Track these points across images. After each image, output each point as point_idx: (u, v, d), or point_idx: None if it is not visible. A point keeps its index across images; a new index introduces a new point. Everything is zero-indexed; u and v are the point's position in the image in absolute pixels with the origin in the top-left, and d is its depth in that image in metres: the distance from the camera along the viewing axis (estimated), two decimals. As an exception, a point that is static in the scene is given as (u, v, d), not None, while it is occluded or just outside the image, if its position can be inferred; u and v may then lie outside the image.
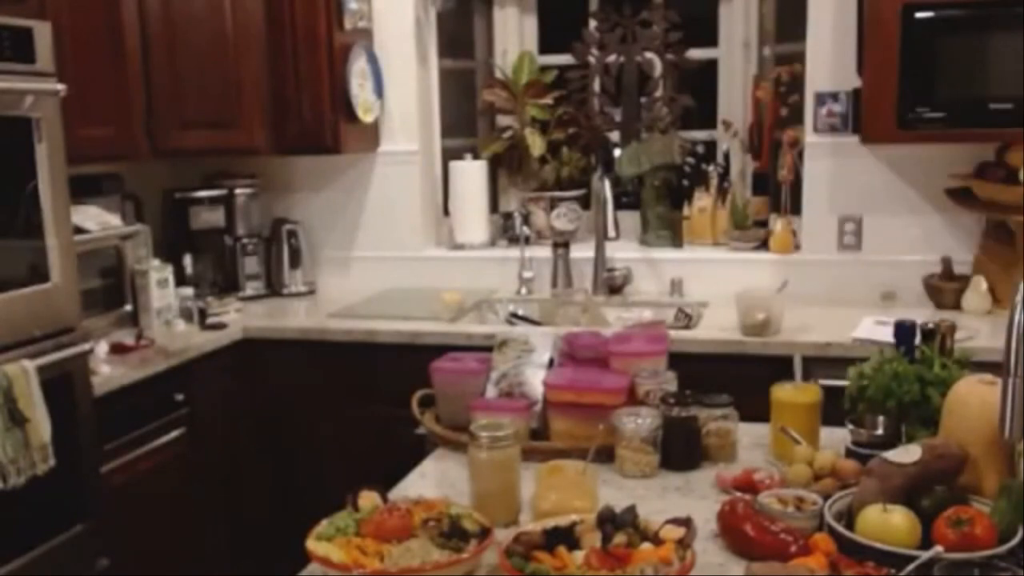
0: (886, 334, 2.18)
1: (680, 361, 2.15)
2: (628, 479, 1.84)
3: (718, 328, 2.96)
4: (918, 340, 1.93)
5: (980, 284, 3.06)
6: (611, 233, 3.42)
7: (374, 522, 1.49)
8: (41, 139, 2.41)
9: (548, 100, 3.81)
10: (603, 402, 1.91)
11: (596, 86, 3.83)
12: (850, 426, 1.82)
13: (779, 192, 3.45)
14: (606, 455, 1.85)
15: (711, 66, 3.76)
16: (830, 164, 3.32)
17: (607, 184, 3.43)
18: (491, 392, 2.08)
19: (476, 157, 3.80)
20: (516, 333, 2.29)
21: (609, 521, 1.47)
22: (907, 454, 1.55)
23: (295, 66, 3.39)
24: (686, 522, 1.46)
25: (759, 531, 1.48)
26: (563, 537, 1.45)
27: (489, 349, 2.18)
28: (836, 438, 1.86)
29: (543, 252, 3.61)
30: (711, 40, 3.75)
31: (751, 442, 1.98)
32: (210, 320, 3.28)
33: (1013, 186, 2.96)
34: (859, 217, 3.32)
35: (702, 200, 3.61)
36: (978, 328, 2.73)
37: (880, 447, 1.68)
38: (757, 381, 2.02)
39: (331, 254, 3.84)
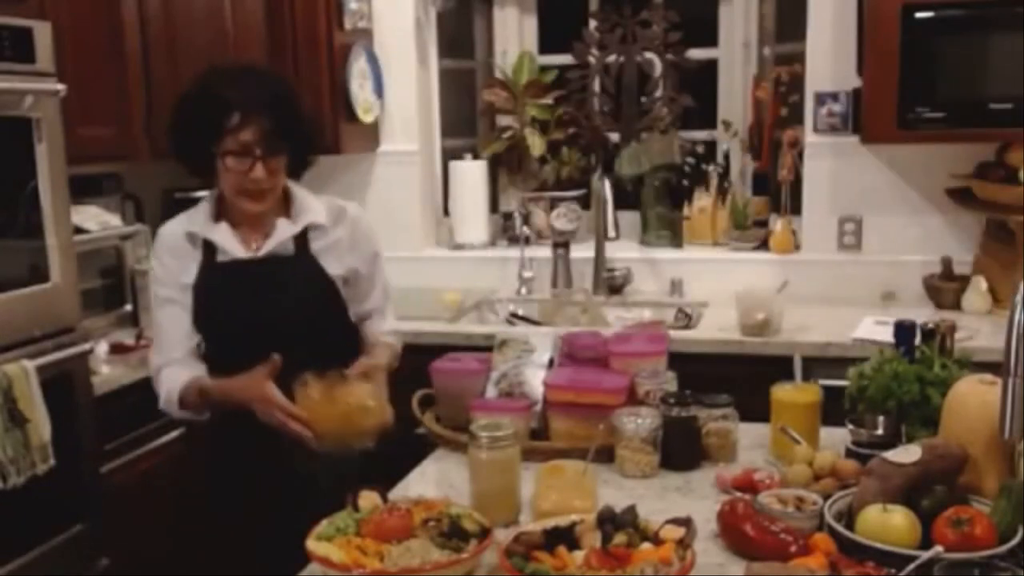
0: (886, 334, 2.18)
1: (680, 361, 2.15)
2: (628, 479, 1.84)
3: (718, 328, 2.96)
4: (918, 340, 1.93)
5: (980, 284, 3.06)
6: (611, 233, 3.42)
7: (374, 522, 1.49)
8: (41, 139, 2.41)
9: (548, 100, 3.81)
10: (603, 402, 1.91)
11: (596, 86, 3.83)
12: (850, 426, 1.82)
13: (779, 192, 3.44)
14: (606, 455, 1.85)
15: (711, 66, 3.75)
16: (830, 164, 3.32)
17: (607, 184, 3.43)
18: (491, 392, 2.08)
19: (476, 157, 3.80)
20: (516, 333, 2.30)
21: (609, 521, 1.47)
22: (907, 454, 1.55)
23: (295, 66, 3.38)
24: (686, 522, 1.46)
25: (759, 531, 1.48)
26: (563, 537, 1.45)
27: (489, 349, 2.18)
28: (836, 438, 1.86)
29: (543, 252, 3.61)
30: (711, 40, 3.75)
31: (751, 442, 1.98)
32: (210, 320, 3.27)
33: (1013, 186, 2.96)
34: (859, 217, 3.32)
35: (702, 200, 3.61)
36: (978, 328, 2.73)
37: (880, 447, 1.68)
38: (757, 381, 2.02)
39: (331, 254, 3.82)
